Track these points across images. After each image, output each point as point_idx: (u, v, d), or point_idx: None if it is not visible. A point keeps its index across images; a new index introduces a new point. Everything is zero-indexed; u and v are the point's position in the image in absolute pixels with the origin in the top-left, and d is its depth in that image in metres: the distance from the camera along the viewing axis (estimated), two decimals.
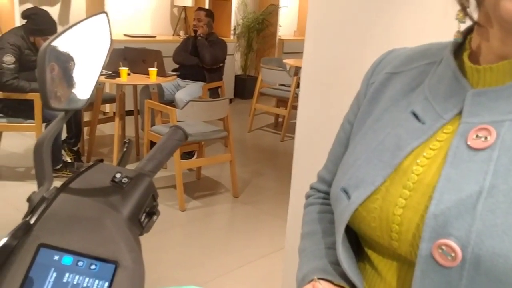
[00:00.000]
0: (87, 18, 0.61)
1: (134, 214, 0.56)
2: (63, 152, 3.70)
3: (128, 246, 0.51)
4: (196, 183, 3.81)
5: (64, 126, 3.75)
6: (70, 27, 0.58)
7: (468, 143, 0.60)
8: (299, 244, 0.86)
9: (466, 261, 0.56)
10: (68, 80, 0.59)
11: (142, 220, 0.58)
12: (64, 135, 3.70)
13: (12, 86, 3.24)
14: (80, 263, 0.48)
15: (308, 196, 0.94)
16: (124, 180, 0.57)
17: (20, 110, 3.39)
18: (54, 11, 5.26)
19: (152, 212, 0.60)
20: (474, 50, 0.65)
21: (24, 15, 3.43)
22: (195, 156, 4.01)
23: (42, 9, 3.54)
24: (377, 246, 0.70)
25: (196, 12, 4.79)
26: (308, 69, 1.75)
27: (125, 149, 0.68)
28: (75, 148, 3.87)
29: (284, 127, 5.12)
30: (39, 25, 3.38)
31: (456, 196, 0.58)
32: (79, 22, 0.60)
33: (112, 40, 0.63)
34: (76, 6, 5.42)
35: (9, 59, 3.24)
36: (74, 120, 3.78)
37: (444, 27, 0.77)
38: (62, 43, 0.56)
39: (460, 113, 0.63)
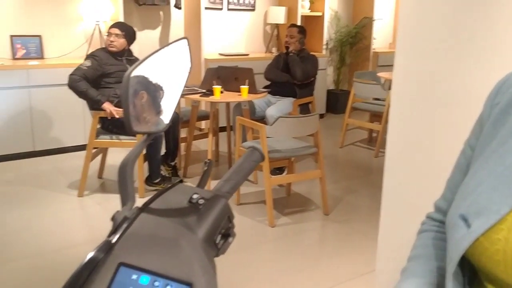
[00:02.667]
0: (169, 44, 0.64)
1: (209, 236, 0.57)
2: (161, 167, 3.89)
3: (202, 268, 0.52)
4: (286, 199, 3.81)
5: (163, 142, 3.95)
6: (153, 53, 0.61)
7: None
8: (404, 266, 0.83)
9: None
10: (156, 107, 0.62)
11: (217, 241, 0.58)
12: (163, 151, 3.90)
13: (71, 79, 3.50)
14: (156, 283, 0.49)
15: (422, 224, 0.90)
16: (201, 201, 0.58)
17: (124, 128, 3.64)
18: (155, 34, 5.62)
19: (227, 234, 0.60)
20: None
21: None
22: (285, 172, 4.02)
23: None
24: (500, 282, 0.64)
25: (289, 28, 4.84)
26: (399, 82, 1.68)
27: (205, 169, 0.69)
28: (173, 163, 4.06)
29: (378, 142, 4.96)
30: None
31: None
32: (161, 48, 0.63)
33: (191, 64, 0.65)
34: (175, 27, 5.74)
35: (86, 62, 3.61)
36: (172, 136, 3.97)
37: None
38: (146, 69, 0.59)
39: None
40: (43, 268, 2.69)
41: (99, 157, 4.04)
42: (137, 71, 0.56)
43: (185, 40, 0.64)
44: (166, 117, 0.63)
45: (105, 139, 3.67)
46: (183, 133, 4.41)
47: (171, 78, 0.64)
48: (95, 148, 3.77)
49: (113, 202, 3.63)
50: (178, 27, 5.75)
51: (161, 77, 0.62)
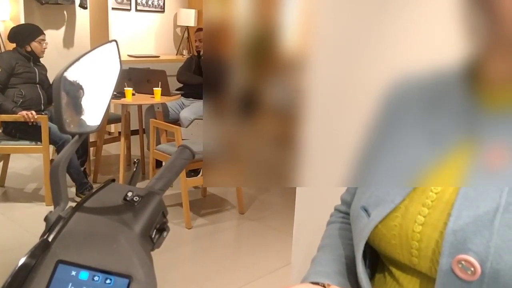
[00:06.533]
0: (97, 46, 0.65)
1: (146, 231, 0.59)
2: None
3: (140, 261, 0.54)
4: (202, 200, 3.83)
5: None
6: (83, 55, 0.62)
7: None
8: (313, 256, 0.89)
9: (485, 275, 0.57)
10: (76, 108, 0.63)
11: (153, 236, 0.61)
12: None
13: None
14: (96, 278, 0.51)
15: (330, 216, 0.98)
16: (136, 198, 0.60)
17: (28, 133, 3.44)
18: (59, 34, 5.36)
19: (162, 229, 0.62)
20: None
21: (11, 37, 3.64)
22: (201, 173, 4.04)
23: (20, 24, 3.89)
24: (398, 263, 0.71)
25: (197, 33, 4.85)
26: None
27: (135, 169, 0.71)
28: (82, 168, 3.90)
29: None
30: (23, 33, 3.61)
31: (474, 213, 0.60)
32: (90, 51, 0.64)
33: (121, 66, 0.67)
34: (80, 28, 5.51)
35: None
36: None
37: None
38: (74, 71, 0.60)
39: None
40: None
41: (0, 164, 3.78)
42: (67, 73, 0.57)
43: (114, 43, 0.66)
44: (96, 119, 0.64)
45: (7, 144, 3.44)
46: (91, 137, 4.26)
47: (100, 80, 0.65)
48: None
49: (17, 211, 3.41)
50: (84, 28, 5.52)
51: (88, 79, 0.63)
